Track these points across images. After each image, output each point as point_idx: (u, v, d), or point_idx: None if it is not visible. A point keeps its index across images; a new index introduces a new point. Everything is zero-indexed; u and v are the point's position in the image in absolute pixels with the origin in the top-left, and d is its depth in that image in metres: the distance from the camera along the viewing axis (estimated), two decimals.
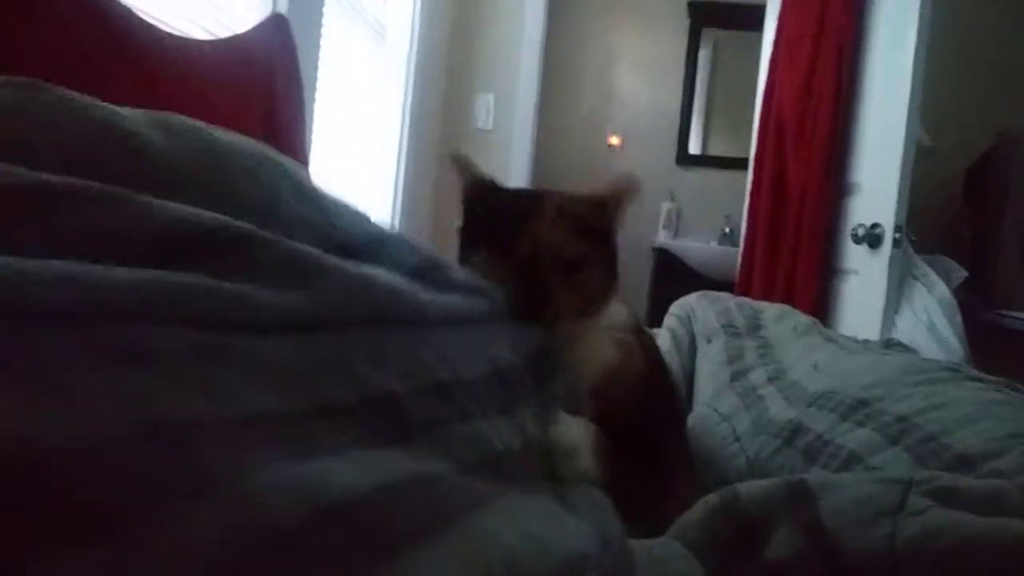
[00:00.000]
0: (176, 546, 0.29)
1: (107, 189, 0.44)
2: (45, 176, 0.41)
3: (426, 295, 0.61)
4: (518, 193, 0.97)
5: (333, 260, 0.52)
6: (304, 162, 1.71)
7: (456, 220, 0.95)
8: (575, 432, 0.66)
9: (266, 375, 0.40)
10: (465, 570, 0.40)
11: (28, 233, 0.39)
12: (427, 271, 0.67)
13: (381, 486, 0.40)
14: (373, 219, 0.70)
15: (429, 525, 0.41)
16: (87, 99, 0.52)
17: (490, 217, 0.91)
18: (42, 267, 0.35)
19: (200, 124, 0.59)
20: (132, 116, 0.53)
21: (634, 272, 4.24)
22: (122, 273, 0.38)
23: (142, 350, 0.36)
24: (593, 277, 0.88)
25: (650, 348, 1.03)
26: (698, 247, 4.26)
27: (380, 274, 0.56)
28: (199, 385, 0.36)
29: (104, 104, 0.53)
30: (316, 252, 0.52)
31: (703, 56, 4.53)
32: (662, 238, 4.36)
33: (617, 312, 0.95)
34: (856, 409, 0.89)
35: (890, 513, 0.49)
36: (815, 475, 0.71)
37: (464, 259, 0.90)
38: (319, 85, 2.02)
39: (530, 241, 0.84)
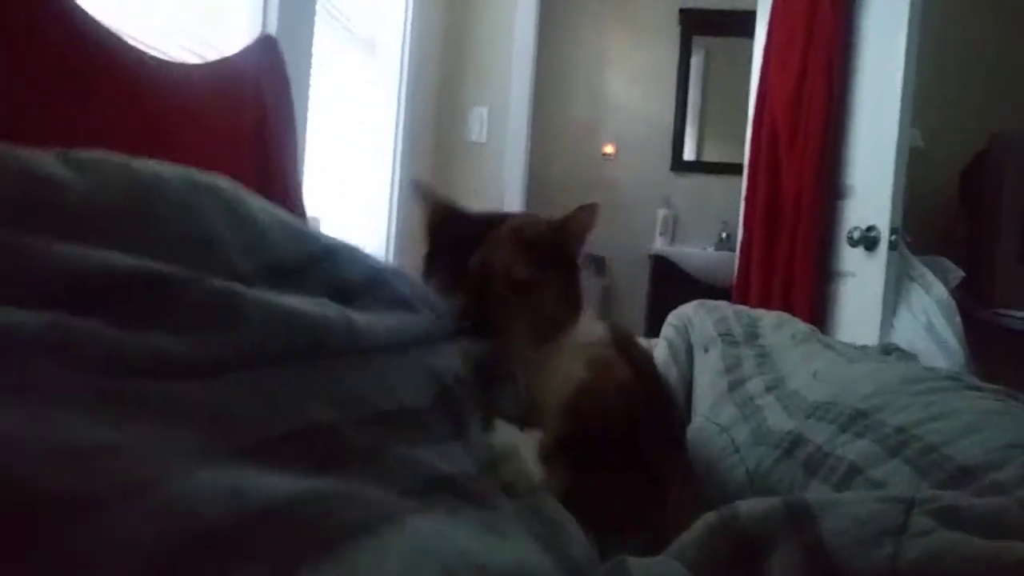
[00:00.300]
0: (109, 544, 0.31)
1: (9, 239, 0.43)
2: None
3: (363, 319, 0.60)
4: (479, 217, 0.97)
5: (254, 296, 0.52)
6: (297, 182, 1.71)
7: (422, 248, 0.97)
8: (512, 437, 0.68)
9: (180, 416, 0.40)
10: (405, 564, 0.40)
11: None
12: (373, 286, 0.68)
13: (315, 490, 0.40)
14: (318, 234, 0.70)
15: (368, 522, 0.41)
16: (2, 147, 0.51)
17: (449, 240, 0.92)
18: None
19: (124, 158, 0.58)
20: (45, 159, 0.52)
21: (631, 279, 4.24)
22: (19, 315, 0.38)
23: (43, 386, 0.36)
24: (546, 301, 0.88)
25: (639, 360, 1.03)
26: (695, 253, 4.27)
27: (306, 305, 0.56)
28: (107, 421, 0.36)
29: (20, 151, 0.52)
30: (238, 289, 0.51)
31: (695, 63, 4.55)
32: (659, 245, 4.36)
33: (589, 330, 0.95)
34: (856, 420, 0.88)
35: (893, 533, 0.49)
36: (815, 493, 0.71)
37: (425, 282, 0.91)
38: (311, 103, 2.02)
39: (480, 262, 0.85)
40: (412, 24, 2.86)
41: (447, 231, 0.95)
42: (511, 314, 0.84)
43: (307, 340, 0.54)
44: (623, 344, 1.01)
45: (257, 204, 0.65)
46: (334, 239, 0.71)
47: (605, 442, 0.78)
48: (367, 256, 0.74)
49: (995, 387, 0.93)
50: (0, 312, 0.38)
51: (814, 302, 2.58)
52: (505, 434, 0.68)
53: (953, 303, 2.40)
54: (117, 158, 0.58)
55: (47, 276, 0.43)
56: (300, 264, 0.63)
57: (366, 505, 0.42)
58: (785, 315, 1.47)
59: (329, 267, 0.66)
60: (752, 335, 1.36)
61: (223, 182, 0.65)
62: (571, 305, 0.92)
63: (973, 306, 2.76)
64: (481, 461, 0.60)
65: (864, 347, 1.31)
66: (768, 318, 1.42)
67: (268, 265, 0.59)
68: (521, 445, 0.67)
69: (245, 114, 1.46)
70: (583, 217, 0.92)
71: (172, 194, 0.57)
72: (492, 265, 0.85)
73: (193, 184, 0.61)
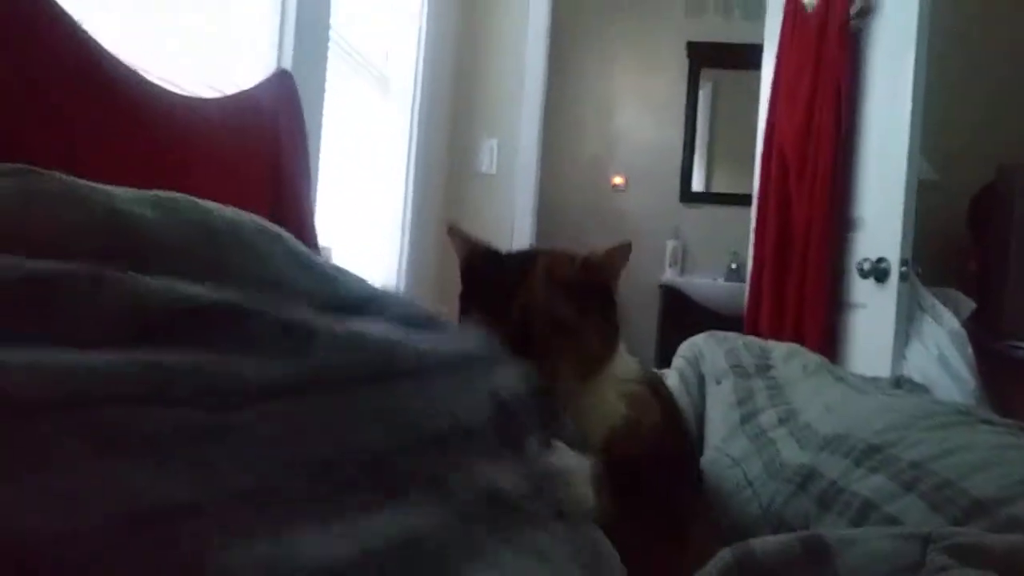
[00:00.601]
0: None
1: (94, 271, 0.45)
2: (30, 265, 0.43)
3: (426, 339, 0.62)
4: (511, 257, 0.99)
5: (325, 322, 0.54)
6: (310, 213, 1.72)
7: (458, 287, 0.98)
8: (573, 460, 0.67)
9: (251, 449, 0.41)
10: None
11: (16, 323, 0.40)
12: (422, 323, 0.69)
13: (365, 552, 0.40)
14: (367, 281, 0.73)
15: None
16: (84, 184, 0.53)
17: (485, 283, 0.94)
18: (11, 356, 0.36)
19: (195, 199, 0.61)
20: (124, 195, 0.54)
21: (641, 310, 4.24)
22: (98, 357, 0.39)
23: (122, 434, 0.37)
24: (587, 337, 0.90)
25: (664, 398, 1.04)
26: (705, 283, 4.27)
27: (374, 328, 0.58)
28: (181, 468, 0.37)
29: (101, 187, 0.54)
30: (308, 317, 0.53)
31: (703, 95, 4.58)
32: (668, 276, 4.37)
33: (626, 364, 0.97)
34: (869, 455, 0.88)
35: (909, 570, 0.49)
36: (831, 530, 0.71)
37: (465, 313, 0.94)
38: (324, 136, 2.04)
39: (521, 306, 0.86)
40: (424, 57, 2.90)
41: (482, 272, 0.97)
42: (555, 354, 0.86)
43: (378, 360, 0.55)
44: (652, 382, 1.03)
45: (311, 253, 0.69)
46: (382, 288, 0.74)
47: (636, 480, 0.78)
48: (409, 298, 0.76)
49: (1008, 421, 0.93)
50: (70, 355, 0.39)
51: (825, 333, 2.58)
52: (566, 457, 0.67)
53: (964, 334, 2.39)
54: (184, 196, 0.61)
55: (125, 307, 0.45)
56: (361, 303, 0.66)
57: (425, 561, 0.43)
58: (795, 346, 1.47)
59: (387, 305, 0.68)
60: (763, 367, 1.36)
61: (283, 231, 0.68)
62: (610, 339, 0.94)
63: (985, 337, 2.75)
64: (537, 480, 0.60)
65: (875, 379, 1.31)
66: (779, 349, 1.42)
67: (332, 305, 0.61)
68: (579, 469, 0.67)
69: (261, 146, 1.48)
70: (618, 255, 0.95)
71: (236, 233, 0.60)
72: (532, 308, 0.87)
73: (261, 229, 0.64)
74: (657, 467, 0.85)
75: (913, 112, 2.27)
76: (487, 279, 0.94)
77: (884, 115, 2.46)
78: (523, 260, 0.95)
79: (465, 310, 0.95)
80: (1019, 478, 0.69)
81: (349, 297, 0.65)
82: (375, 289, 0.71)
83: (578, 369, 0.88)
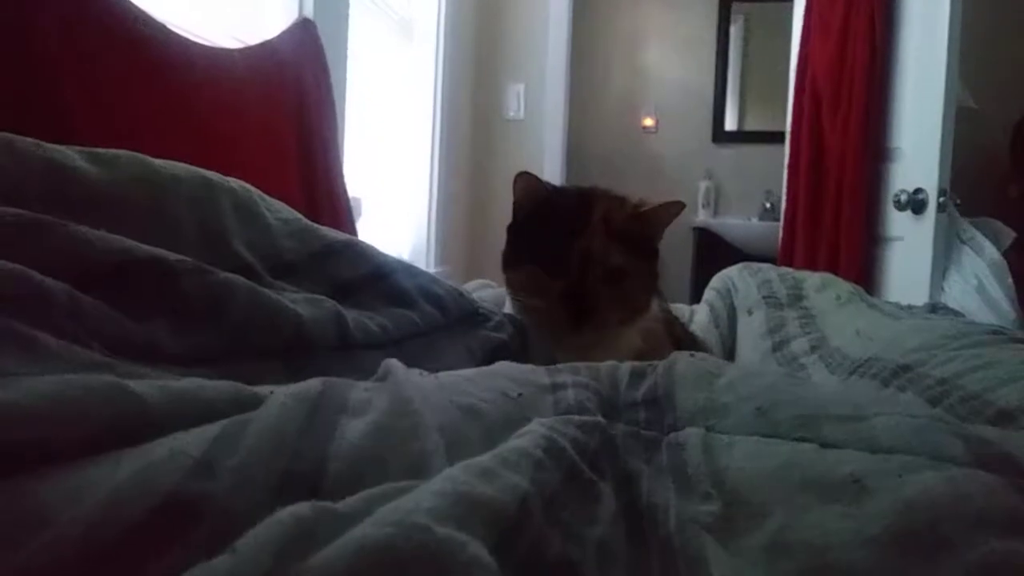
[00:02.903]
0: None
1: (33, 217, 0.47)
2: None
3: (354, 317, 0.66)
4: (567, 198, 1.02)
5: (247, 292, 0.57)
6: (338, 163, 1.73)
7: (489, 230, 1.05)
8: None
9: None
10: None
11: None
12: (372, 282, 0.73)
13: None
14: (323, 233, 0.76)
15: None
16: (19, 137, 0.55)
17: (539, 223, 0.97)
18: None
19: (141, 156, 0.63)
20: (69, 152, 0.57)
21: (675, 252, 4.20)
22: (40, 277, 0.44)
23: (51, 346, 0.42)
24: (636, 287, 0.95)
25: (678, 335, 1.11)
26: (739, 224, 4.22)
27: (297, 304, 0.61)
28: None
29: (47, 145, 0.56)
30: (235, 283, 0.57)
31: (734, 31, 4.47)
32: (701, 217, 4.32)
33: (653, 307, 1.02)
34: (898, 375, 0.88)
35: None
36: None
37: (511, 261, 0.99)
38: (349, 85, 2.04)
39: (580, 257, 0.91)
40: (447, 3, 2.87)
41: (535, 208, 0.99)
42: (605, 304, 0.90)
43: (290, 336, 0.58)
44: (668, 320, 1.10)
45: (267, 205, 0.70)
46: (340, 237, 0.76)
47: None
48: (372, 253, 0.78)
49: None
50: (23, 270, 0.42)
51: (861, 268, 2.54)
52: None
53: (1004, 264, 2.35)
54: (131, 153, 0.63)
55: (65, 253, 0.47)
56: (301, 262, 0.69)
57: None
58: (829, 276, 1.45)
59: (330, 265, 0.71)
60: (796, 297, 1.35)
61: (236, 184, 0.71)
62: (651, 289, 1.00)
63: None
64: None
65: (909, 306, 1.30)
66: (812, 279, 1.41)
67: (272, 263, 0.65)
68: None
69: (285, 96, 1.49)
70: (670, 211, 1.00)
71: (184, 188, 0.63)
72: (590, 261, 0.91)
73: (207, 182, 0.67)
74: None
75: (951, 38, 2.20)
76: (543, 220, 0.97)
77: (920, 42, 2.38)
78: (580, 205, 0.97)
79: (515, 249, 0.99)
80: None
81: (288, 257, 0.68)
82: (321, 244, 0.72)
83: (622, 318, 0.94)
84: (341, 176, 1.74)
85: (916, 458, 0.43)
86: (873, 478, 0.41)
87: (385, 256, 0.81)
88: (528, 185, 0.99)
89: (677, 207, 1.00)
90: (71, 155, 0.57)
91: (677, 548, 0.37)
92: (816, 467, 0.43)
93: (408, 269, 0.84)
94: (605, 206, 0.97)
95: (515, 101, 3.29)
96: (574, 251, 0.90)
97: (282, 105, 1.47)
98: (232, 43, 1.52)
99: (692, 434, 0.49)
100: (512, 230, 1.02)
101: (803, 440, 0.47)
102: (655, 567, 0.37)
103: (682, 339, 1.11)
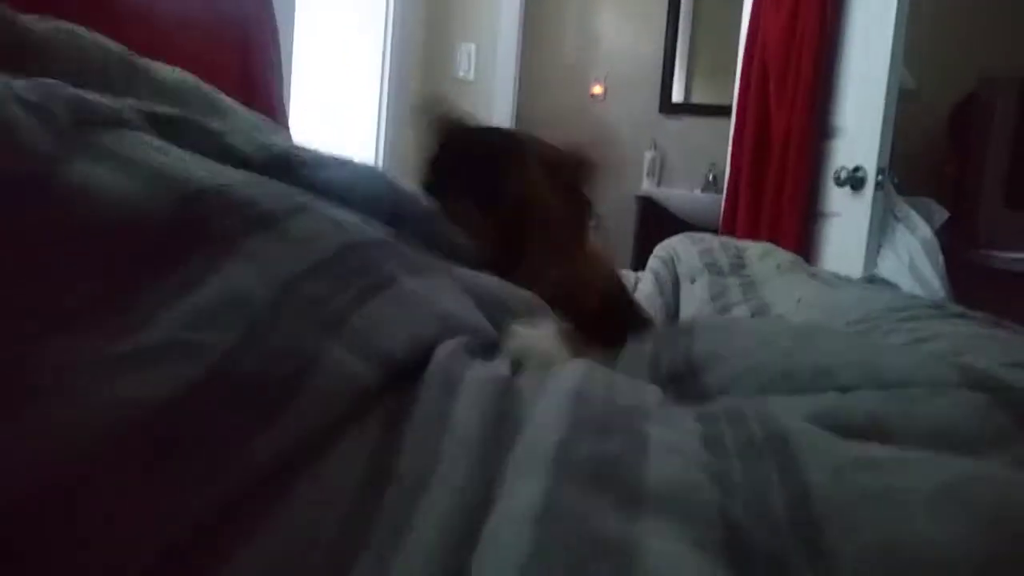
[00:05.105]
0: None
1: None
2: None
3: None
4: (488, 137, 0.97)
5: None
6: (283, 112, 1.68)
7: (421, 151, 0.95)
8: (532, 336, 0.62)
9: None
10: None
11: None
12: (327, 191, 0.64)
13: None
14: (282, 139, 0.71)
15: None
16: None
17: (466, 159, 0.90)
18: None
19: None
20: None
21: (618, 221, 4.22)
22: None
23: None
24: (566, 234, 0.90)
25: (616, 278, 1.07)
26: (682, 195, 4.26)
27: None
28: None
29: None
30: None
31: (685, 3, 4.47)
32: (646, 186, 4.35)
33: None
34: None
35: None
36: None
37: (434, 195, 0.86)
38: (296, 38, 1.98)
39: (516, 196, 0.84)
40: None
41: (459, 143, 0.93)
42: (539, 251, 0.84)
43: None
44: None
45: (231, 102, 0.68)
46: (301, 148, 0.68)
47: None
48: (334, 162, 0.68)
49: (980, 314, 0.94)
50: None
51: (800, 241, 2.59)
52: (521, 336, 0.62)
53: (937, 243, 2.42)
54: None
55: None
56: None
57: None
58: (770, 245, 1.47)
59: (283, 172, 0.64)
60: (738, 265, 1.36)
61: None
62: (584, 239, 0.95)
63: (958, 246, 2.78)
64: None
65: (847, 277, 1.32)
66: (753, 248, 1.43)
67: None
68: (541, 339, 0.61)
69: (228, 37, 1.43)
70: (601, 152, 0.95)
71: (138, 60, 0.67)
72: (527, 199, 0.85)
73: (138, 59, 0.70)
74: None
75: (897, 19, 2.24)
76: (469, 156, 0.90)
77: (868, 21, 2.42)
78: (507, 145, 0.92)
79: (438, 182, 0.90)
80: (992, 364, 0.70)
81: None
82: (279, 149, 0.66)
83: (552, 266, 0.86)
84: (286, 125, 1.68)
85: (919, 388, 0.48)
86: (889, 417, 0.46)
87: (354, 165, 0.72)
88: (443, 115, 0.96)
89: (609, 150, 0.97)
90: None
91: None
92: (839, 412, 0.47)
93: (379, 179, 0.74)
94: (538, 149, 0.92)
95: (466, 61, 3.24)
96: (508, 191, 0.85)
97: (223, 47, 1.41)
98: None
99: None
100: (432, 163, 0.94)
101: (823, 389, 0.52)
102: None
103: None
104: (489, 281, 0.67)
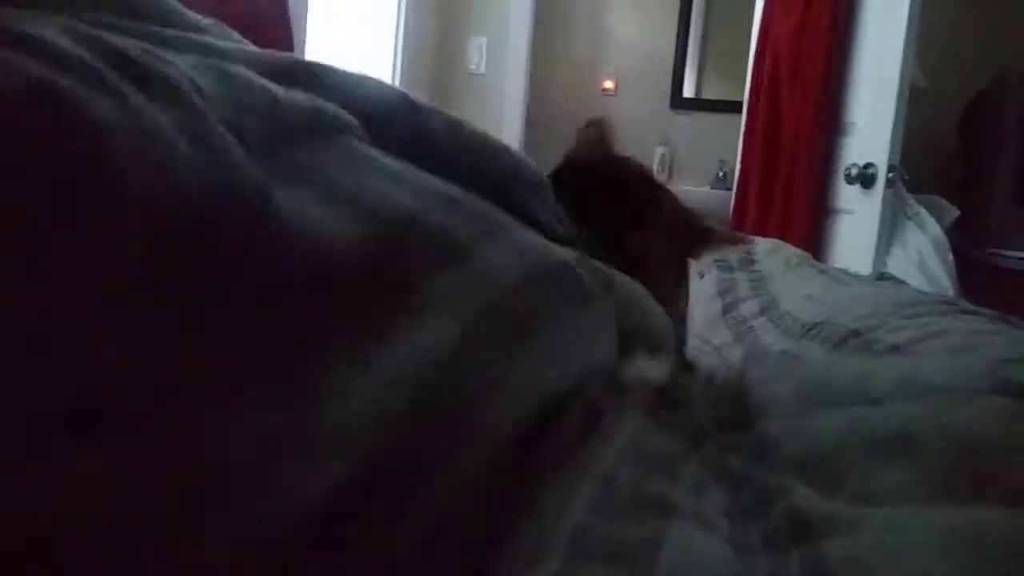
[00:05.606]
0: None
1: None
2: None
3: None
4: (631, 177, 0.90)
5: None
6: None
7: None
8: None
9: None
10: None
11: None
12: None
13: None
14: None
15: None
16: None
17: (595, 183, 0.84)
18: None
19: None
20: None
21: None
22: None
23: None
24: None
25: None
26: (692, 191, 4.25)
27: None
28: None
29: None
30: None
31: None
32: None
33: None
34: (848, 339, 0.90)
35: None
36: None
37: None
38: (309, 30, 1.99)
39: (632, 249, 0.77)
40: None
41: (588, 177, 0.86)
42: None
43: None
44: None
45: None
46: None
47: None
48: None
49: (990, 312, 0.95)
50: None
51: (809, 239, 2.58)
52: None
53: (946, 241, 2.42)
54: None
55: None
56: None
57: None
58: (779, 242, 1.48)
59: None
60: (746, 260, 1.37)
61: None
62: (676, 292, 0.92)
63: (968, 245, 2.77)
64: None
65: (857, 274, 1.33)
66: (762, 244, 1.44)
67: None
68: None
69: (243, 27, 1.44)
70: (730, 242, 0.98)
71: None
72: (642, 257, 0.77)
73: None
74: None
75: (910, 16, 2.23)
76: (594, 187, 0.83)
77: (881, 18, 2.41)
78: (645, 192, 0.87)
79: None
80: (997, 359, 0.70)
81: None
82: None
83: None
84: None
85: (947, 395, 0.48)
86: (917, 426, 0.45)
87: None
88: (590, 141, 0.90)
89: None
90: None
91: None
92: (869, 425, 0.48)
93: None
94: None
95: (477, 54, 3.24)
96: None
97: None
98: None
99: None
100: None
101: (856, 403, 0.52)
102: None
103: None
104: (643, 299, 0.63)
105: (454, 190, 0.46)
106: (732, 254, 1.42)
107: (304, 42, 1.96)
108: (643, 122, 4.43)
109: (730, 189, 3.26)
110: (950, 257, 2.39)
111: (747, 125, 3.04)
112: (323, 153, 0.40)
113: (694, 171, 4.39)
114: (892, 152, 2.28)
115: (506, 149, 0.62)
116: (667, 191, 0.91)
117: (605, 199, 0.81)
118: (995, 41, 3.45)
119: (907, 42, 2.24)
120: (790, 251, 1.39)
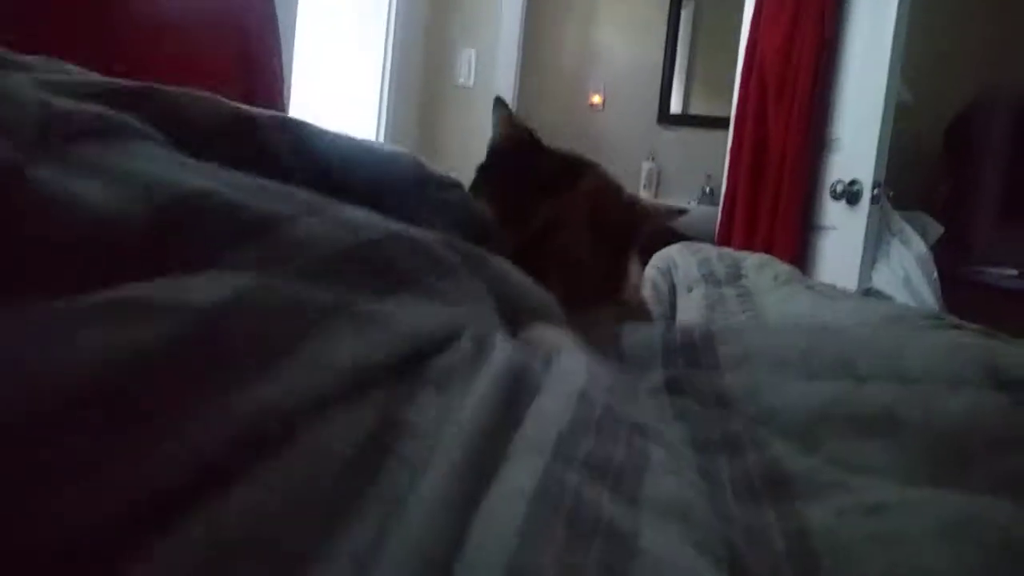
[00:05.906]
0: None
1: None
2: None
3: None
4: (552, 159, 0.90)
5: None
6: (283, 108, 1.68)
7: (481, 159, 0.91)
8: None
9: None
10: None
11: None
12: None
13: None
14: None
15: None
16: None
17: (511, 176, 0.85)
18: None
19: None
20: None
21: None
22: None
23: None
24: (592, 277, 0.82)
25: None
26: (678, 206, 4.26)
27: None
28: None
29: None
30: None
31: (685, 14, 4.49)
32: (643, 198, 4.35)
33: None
34: None
35: None
36: None
37: (483, 178, 0.88)
38: (297, 43, 1.99)
39: (547, 220, 0.78)
40: None
41: (513, 163, 0.88)
42: (552, 279, 0.69)
43: None
44: None
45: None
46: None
47: None
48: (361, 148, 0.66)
49: (977, 327, 0.95)
50: None
51: (795, 255, 2.60)
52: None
53: (931, 258, 2.43)
54: None
55: None
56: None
57: None
58: (767, 256, 1.48)
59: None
60: (735, 275, 1.37)
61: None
62: (613, 283, 0.87)
63: (952, 262, 2.79)
64: None
65: (844, 290, 1.33)
66: (751, 259, 1.43)
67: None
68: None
69: (228, 32, 1.44)
70: (667, 217, 0.91)
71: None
72: (556, 229, 0.78)
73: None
74: None
75: (896, 33, 2.26)
76: (516, 172, 0.85)
77: (867, 35, 2.43)
78: (566, 170, 0.86)
79: (481, 187, 0.86)
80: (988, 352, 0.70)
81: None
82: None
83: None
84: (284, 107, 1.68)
85: (938, 385, 0.48)
86: (903, 409, 0.46)
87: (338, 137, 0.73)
88: (506, 126, 0.91)
89: (674, 214, 0.91)
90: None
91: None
92: (853, 402, 0.48)
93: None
94: (595, 188, 0.84)
95: (466, 67, 3.25)
96: (542, 213, 0.78)
97: (224, 41, 1.42)
98: None
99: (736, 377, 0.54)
100: (483, 170, 0.90)
101: (840, 378, 0.52)
102: None
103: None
104: (520, 280, 0.61)
105: (272, 183, 0.46)
106: (719, 267, 1.42)
107: (292, 55, 1.96)
108: (630, 137, 4.45)
109: (717, 204, 3.27)
110: (934, 274, 2.41)
111: (734, 141, 3.06)
112: (112, 149, 0.41)
113: (681, 186, 4.41)
114: (877, 169, 2.30)
115: (394, 156, 0.67)
116: (594, 167, 0.91)
117: (522, 185, 0.82)
118: (981, 58, 3.49)
119: (893, 59, 2.27)
120: (779, 267, 1.38)
